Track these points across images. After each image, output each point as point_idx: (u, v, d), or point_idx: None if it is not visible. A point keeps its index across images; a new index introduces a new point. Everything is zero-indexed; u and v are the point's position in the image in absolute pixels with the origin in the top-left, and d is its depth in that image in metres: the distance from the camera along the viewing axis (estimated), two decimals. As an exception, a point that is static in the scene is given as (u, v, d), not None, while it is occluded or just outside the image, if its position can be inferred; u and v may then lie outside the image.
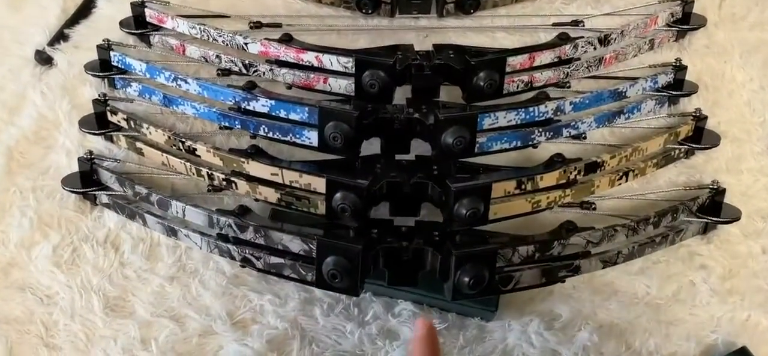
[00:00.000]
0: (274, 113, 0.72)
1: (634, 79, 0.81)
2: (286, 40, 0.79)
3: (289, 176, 0.68)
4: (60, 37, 0.86)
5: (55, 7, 0.90)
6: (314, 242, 0.62)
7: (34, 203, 0.75)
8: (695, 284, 0.75)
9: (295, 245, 0.63)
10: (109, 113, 0.77)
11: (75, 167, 0.76)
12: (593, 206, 0.74)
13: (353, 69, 0.75)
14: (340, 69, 0.75)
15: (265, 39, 0.78)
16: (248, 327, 0.70)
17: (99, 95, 0.77)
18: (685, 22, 0.89)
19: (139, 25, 0.85)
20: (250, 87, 0.75)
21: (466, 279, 0.61)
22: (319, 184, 0.67)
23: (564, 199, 0.72)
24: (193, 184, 0.76)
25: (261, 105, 0.72)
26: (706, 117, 0.81)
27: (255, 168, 0.69)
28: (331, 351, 0.69)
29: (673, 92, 0.83)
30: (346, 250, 0.61)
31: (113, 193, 0.73)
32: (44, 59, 0.85)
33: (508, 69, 0.76)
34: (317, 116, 0.70)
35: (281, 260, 0.64)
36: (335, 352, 0.69)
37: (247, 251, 0.65)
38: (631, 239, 0.70)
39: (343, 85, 0.76)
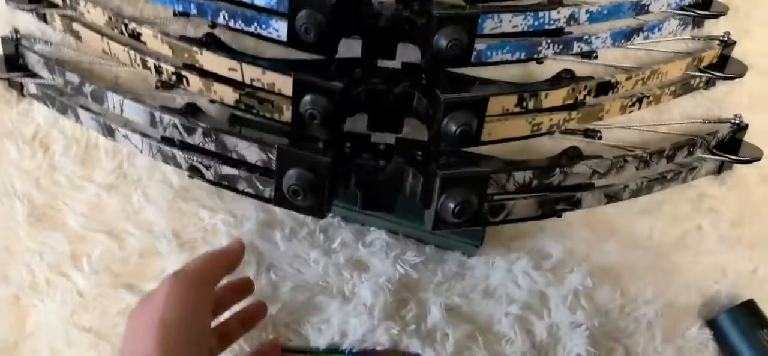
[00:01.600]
0: (237, -2, 0.60)
1: (660, -7, 0.70)
2: None
3: (250, 73, 0.57)
4: None
5: None
6: (274, 151, 0.52)
7: (-51, 90, 0.63)
8: (702, 228, 0.68)
9: (252, 153, 0.53)
10: (42, -13, 0.64)
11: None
12: (599, 134, 0.65)
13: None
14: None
15: None
16: (198, 248, 0.61)
17: (30, -35, 0.64)
18: (718, -68, 0.77)
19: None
20: (209, -33, 0.63)
21: (451, 205, 0.52)
22: (285, 84, 0.56)
23: (568, 123, 0.62)
24: (140, 79, 0.65)
25: (221, -14, 0.60)
26: (734, 43, 0.71)
27: (210, 61, 0.58)
28: (292, 280, 0.61)
29: (700, 12, 0.73)
30: (312, 162, 0.51)
31: (43, 82, 0.61)
32: None
33: (511, -33, 0.65)
34: (287, 3, 0.58)
35: (235, 172, 0.54)
36: (296, 282, 0.61)
37: (195, 158, 0.55)
38: (641, 172, 0.62)
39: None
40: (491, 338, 0.60)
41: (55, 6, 0.65)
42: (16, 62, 0.63)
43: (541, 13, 0.62)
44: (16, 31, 0.62)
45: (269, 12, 0.60)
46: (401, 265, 0.62)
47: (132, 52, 0.61)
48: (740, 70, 0.72)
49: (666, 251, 0.67)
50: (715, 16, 0.73)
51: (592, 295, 0.64)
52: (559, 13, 0.63)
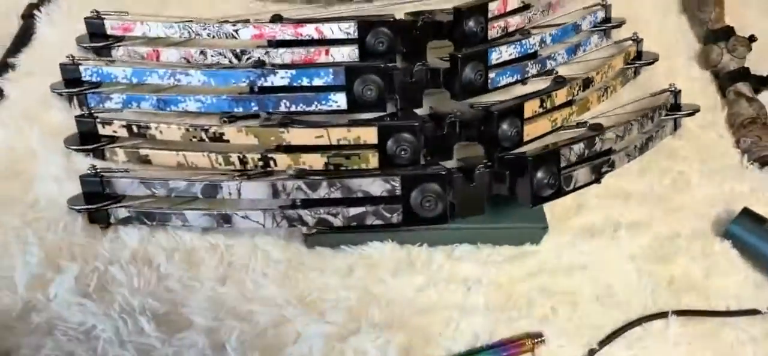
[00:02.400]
0: (295, 84, 0.69)
1: (582, 17, 0.90)
2: (278, 19, 0.76)
3: (336, 134, 0.65)
4: (5, 67, 0.75)
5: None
6: (397, 179, 0.60)
7: (34, 239, 0.62)
8: (684, 172, 0.84)
9: (377, 187, 0.60)
10: (100, 126, 0.68)
11: (66, 194, 0.65)
12: (586, 124, 0.81)
13: (356, 33, 0.75)
14: (342, 36, 0.75)
15: (257, 22, 0.75)
16: (321, 306, 0.64)
17: (83, 111, 0.68)
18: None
19: (94, 40, 0.77)
20: (261, 65, 0.71)
21: (544, 179, 0.63)
22: (369, 134, 0.65)
23: (571, 116, 0.78)
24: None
25: (280, 78, 0.69)
26: (642, 39, 0.93)
27: (297, 136, 0.65)
28: (409, 307, 0.66)
29: (610, 25, 0.95)
30: (433, 177, 0.60)
31: (136, 202, 0.64)
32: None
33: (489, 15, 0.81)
34: (344, 76, 0.69)
35: (362, 209, 0.61)
36: (416, 307, 0.66)
37: (321, 211, 0.61)
38: (640, 133, 0.78)
39: (346, 53, 0.76)
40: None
41: (114, 140, 0.69)
42: (95, 197, 0.64)
43: (523, 41, 0.78)
44: (95, 167, 0.64)
45: (328, 88, 0.69)
46: (492, 266, 0.70)
47: (212, 154, 0.66)
48: (655, 56, 0.94)
49: (669, 196, 0.81)
50: (618, 26, 0.96)
51: (638, 243, 0.76)
52: (534, 39, 0.79)
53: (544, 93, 0.74)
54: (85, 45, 0.77)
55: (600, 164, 0.71)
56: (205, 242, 0.66)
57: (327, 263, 0.67)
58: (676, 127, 0.87)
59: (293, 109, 0.69)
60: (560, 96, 0.76)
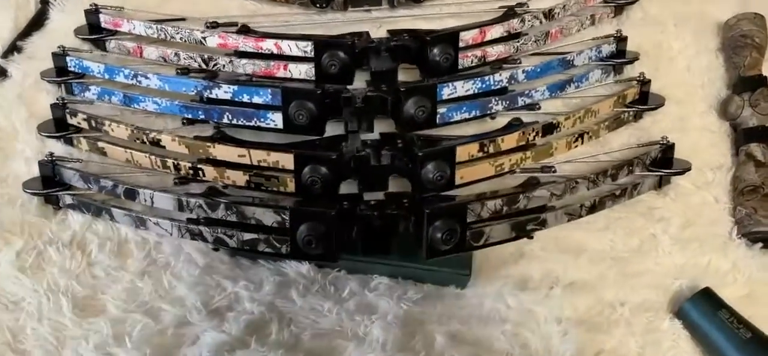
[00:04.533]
0: (237, 99, 0.72)
1: (580, 50, 0.85)
2: (244, 30, 0.80)
3: (257, 156, 0.68)
4: (13, 49, 0.85)
5: (8, 21, 0.89)
6: (287, 212, 0.62)
7: (-8, 212, 0.73)
8: (656, 235, 0.78)
9: (268, 217, 0.63)
10: (68, 116, 0.76)
11: (33, 174, 0.74)
12: (553, 169, 0.77)
13: (312, 53, 0.76)
14: (300, 54, 0.77)
15: (223, 31, 0.79)
16: (225, 314, 0.69)
17: (58, 100, 0.76)
18: (621, -4, 0.94)
19: (93, 31, 0.85)
20: (211, 77, 0.75)
21: (439, 235, 0.62)
22: (287, 160, 0.68)
23: (525, 161, 0.74)
24: (158, 180, 0.75)
25: (224, 92, 0.73)
26: (649, 81, 0.85)
27: (222, 151, 0.69)
28: (310, 329, 0.69)
29: (617, 61, 0.88)
30: (321, 215, 0.61)
31: (77, 192, 0.72)
32: (-2, 72, 0.84)
33: (461, 44, 0.79)
34: (281, 97, 0.71)
35: (255, 236, 0.64)
36: (315, 331, 0.69)
37: (219, 230, 0.65)
38: (592, 191, 0.73)
39: (303, 71, 0.78)
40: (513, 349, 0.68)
41: (81, 131, 0.77)
42: (52, 180, 0.73)
43: (486, 76, 0.76)
44: (52, 154, 0.73)
45: (266, 107, 0.72)
46: (405, 303, 0.71)
47: (153, 156, 0.72)
48: (660, 101, 0.86)
49: (629, 259, 0.76)
50: (630, 62, 0.88)
51: (574, 305, 0.73)
52: (501, 75, 0.76)
53: (486, 137, 0.71)
54: (80, 36, 0.85)
55: (524, 221, 0.68)
56: (138, 236, 0.72)
57: (242, 274, 0.71)
58: (661, 184, 0.80)
59: (235, 122, 0.73)
60: (509, 141, 0.73)
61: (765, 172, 0.80)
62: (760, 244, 0.77)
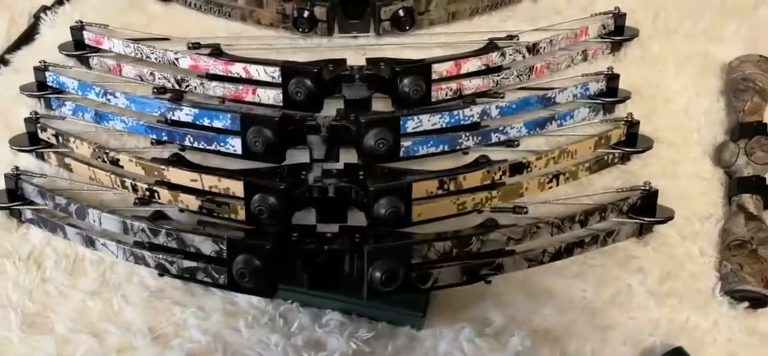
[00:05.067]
0: (198, 122, 0.72)
1: (564, 87, 0.81)
2: (216, 53, 0.79)
3: (209, 181, 0.67)
4: (0, 62, 0.87)
5: (-2, 35, 0.92)
6: (225, 241, 0.61)
7: (-43, 223, 0.74)
8: (632, 287, 0.74)
9: (207, 246, 0.62)
10: (39, 131, 0.77)
11: (1, 187, 0.75)
12: (525, 210, 0.74)
13: (280, 78, 0.75)
14: (268, 79, 0.76)
15: (195, 53, 0.79)
16: (169, 341, 0.68)
17: (31, 114, 0.77)
18: (619, 33, 0.90)
19: (78, 48, 0.86)
20: (178, 98, 0.75)
21: (379, 275, 0.60)
22: (237, 187, 0.67)
23: (491, 201, 0.71)
24: (121, 199, 0.75)
25: (185, 114, 0.73)
26: (638, 122, 0.81)
27: (175, 175, 0.69)
28: (255, 363, 0.67)
29: (607, 99, 0.84)
30: (256, 248, 0.60)
31: (37, 207, 0.72)
32: (-17, 85, 0.86)
33: (434, 76, 0.77)
34: (239, 122, 0.70)
35: (194, 264, 0.63)
36: (259, 365, 0.67)
37: (160, 256, 0.64)
38: (557, 237, 0.69)
39: (271, 96, 0.77)
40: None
41: (52, 145, 0.78)
42: (15, 194, 0.74)
43: (455, 111, 0.73)
44: (17, 168, 0.74)
45: (226, 131, 0.71)
46: (355, 342, 0.68)
47: (113, 176, 0.72)
48: (648, 144, 0.81)
49: (601, 309, 0.72)
50: (621, 101, 0.84)
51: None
52: (471, 110, 0.73)
53: (447, 174, 0.69)
54: (64, 52, 0.86)
55: (477, 265, 0.65)
56: (95, 255, 0.72)
57: (193, 301, 0.71)
58: (642, 232, 0.76)
59: (196, 145, 0.73)
60: (472, 179, 0.70)
61: (756, 226, 0.74)
62: (746, 303, 0.72)
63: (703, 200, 0.80)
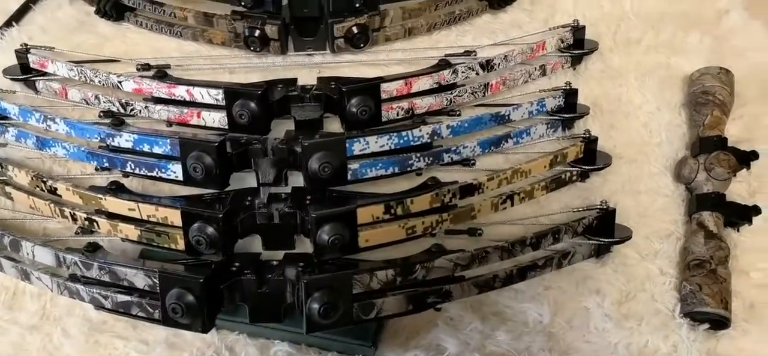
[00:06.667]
0: (138, 148, 0.70)
1: (519, 104, 0.79)
2: (160, 76, 0.77)
3: (146, 211, 0.65)
4: (-55, 86, 0.85)
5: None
6: (156, 275, 0.58)
7: None
8: (589, 309, 0.72)
9: (140, 279, 0.60)
10: (-23, 159, 0.75)
11: (-57, 216, 0.73)
12: (479, 232, 0.72)
13: (224, 101, 0.73)
14: (212, 102, 0.74)
15: (139, 76, 0.77)
16: (110, 376, 0.66)
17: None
18: (578, 46, 0.88)
19: (24, 71, 0.84)
20: (118, 124, 0.73)
21: (316, 307, 0.58)
22: (175, 216, 0.64)
23: (442, 225, 0.69)
24: (65, 228, 0.73)
25: (125, 140, 0.70)
26: (595, 139, 0.79)
27: (113, 204, 0.67)
28: (199, 398, 0.65)
29: (565, 116, 0.82)
30: (188, 282, 0.58)
31: (-28, 238, 0.70)
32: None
33: (384, 96, 0.75)
34: (179, 148, 0.68)
35: (128, 298, 0.61)
36: (203, 400, 0.65)
37: (94, 290, 0.62)
38: (510, 261, 0.67)
39: (216, 119, 0.75)
40: None
41: (-8, 175, 0.75)
42: (-48, 226, 0.72)
43: (404, 132, 0.71)
44: (-46, 198, 0.71)
45: (167, 158, 0.69)
46: (302, 372, 0.66)
47: (52, 205, 0.70)
48: (607, 161, 0.79)
49: (557, 334, 0.70)
50: (580, 117, 0.82)
51: (488, 384, 0.67)
52: (421, 130, 0.71)
53: (393, 199, 0.67)
54: (9, 76, 0.84)
55: (423, 294, 0.63)
56: (36, 289, 0.70)
57: (135, 334, 0.68)
58: (599, 252, 0.74)
59: (137, 171, 0.71)
60: (420, 203, 0.68)
61: (715, 245, 0.72)
62: (706, 325, 0.70)
63: (663, 218, 0.78)
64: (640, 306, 0.72)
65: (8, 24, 0.91)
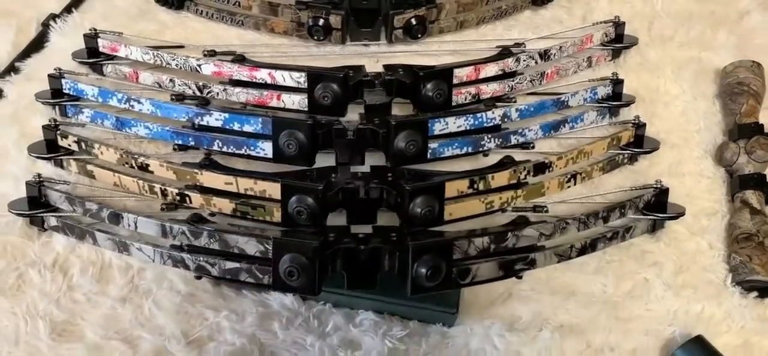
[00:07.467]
0: (228, 127, 0.72)
1: (575, 91, 0.84)
2: (240, 59, 0.80)
3: (244, 184, 0.68)
4: (11, 70, 0.86)
5: (6, 43, 0.89)
6: (270, 242, 0.61)
7: (-25, 231, 0.72)
8: (649, 280, 0.77)
9: (251, 246, 0.62)
10: (59, 138, 0.76)
11: (21, 194, 0.74)
12: (545, 208, 0.76)
13: (306, 84, 0.76)
14: (293, 85, 0.77)
15: (219, 60, 0.80)
16: (205, 345, 0.68)
17: (49, 121, 0.76)
18: (619, 41, 0.94)
19: (92, 55, 0.85)
20: (204, 104, 0.75)
21: (424, 271, 0.61)
22: (274, 190, 0.67)
23: (516, 200, 0.74)
24: (145, 205, 0.74)
25: (215, 119, 0.73)
26: (644, 124, 0.85)
27: (209, 179, 0.69)
28: (289, 364, 0.68)
29: (613, 103, 0.87)
30: (302, 247, 0.60)
31: (62, 214, 0.71)
32: (-7, 92, 0.84)
33: (455, 81, 0.79)
34: (271, 127, 0.71)
35: (237, 265, 0.63)
36: (291, 366, 0.67)
37: (201, 258, 0.64)
38: (582, 233, 0.72)
39: (296, 101, 0.77)
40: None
41: (71, 153, 0.77)
42: (37, 202, 0.72)
43: (479, 114, 0.75)
44: (39, 175, 0.72)
45: (257, 136, 0.72)
46: (389, 340, 0.69)
47: (140, 181, 0.72)
48: (655, 145, 0.85)
49: (620, 303, 0.75)
50: (626, 105, 0.88)
51: (562, 348, 0.71)
52: (493, 112, 0.76)
53: (476, 174, 0.71)
54: (78, 60, 0.85)
55: (512, 260, 0.67)
56: (122, 261, 0.71)
57: (225, 304, 0.70)
58: (655, 228, 0.79)
59: (225, 150, 0.73)
60: (500, 178, 0.72)
61: (760, 220, 0.79)
62: (755, 293, 0.76)
63: (707, 198, 0.84)
64: (693, 276, 0.78)
65: (69, 10, 0.92)
